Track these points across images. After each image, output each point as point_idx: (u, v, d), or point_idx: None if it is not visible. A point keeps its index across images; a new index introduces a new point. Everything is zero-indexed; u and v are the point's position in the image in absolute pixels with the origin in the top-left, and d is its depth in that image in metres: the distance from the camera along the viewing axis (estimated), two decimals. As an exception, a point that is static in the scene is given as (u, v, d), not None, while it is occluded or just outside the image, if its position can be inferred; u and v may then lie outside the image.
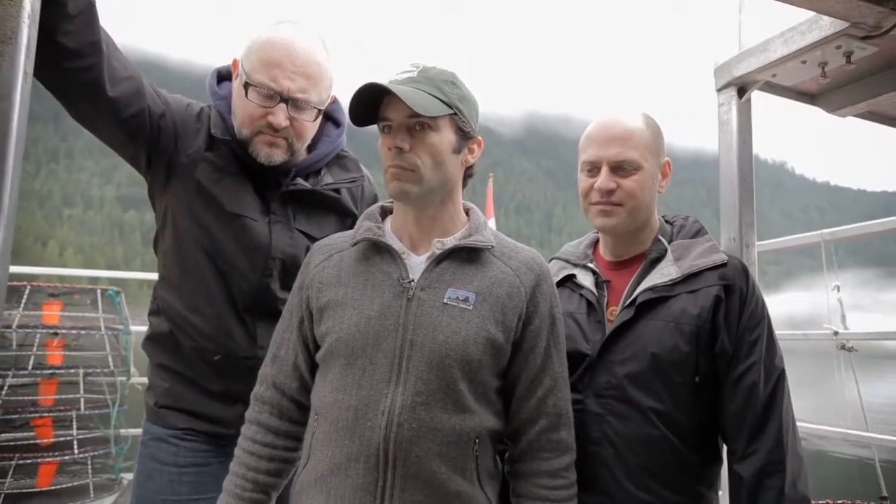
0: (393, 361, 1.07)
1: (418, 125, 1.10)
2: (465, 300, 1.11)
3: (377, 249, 1.16)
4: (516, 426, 1.15)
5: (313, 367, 1.18)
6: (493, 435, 1.13)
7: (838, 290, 3.06)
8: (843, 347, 2.96)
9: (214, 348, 1.41)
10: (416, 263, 1.14)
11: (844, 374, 2.94)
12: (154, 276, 1.68)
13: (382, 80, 1.10)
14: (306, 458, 1.14)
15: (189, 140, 1.42)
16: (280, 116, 1.37)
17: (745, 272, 1.28)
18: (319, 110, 1.44)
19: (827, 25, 1.20)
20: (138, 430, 5.30)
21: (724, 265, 1.27)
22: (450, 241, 1.15)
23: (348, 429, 1.07)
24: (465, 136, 1.16)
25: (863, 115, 1.69)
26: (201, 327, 1.41)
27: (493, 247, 1.17)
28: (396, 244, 1.16)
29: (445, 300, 1.10)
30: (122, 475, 4.74)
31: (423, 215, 1.16)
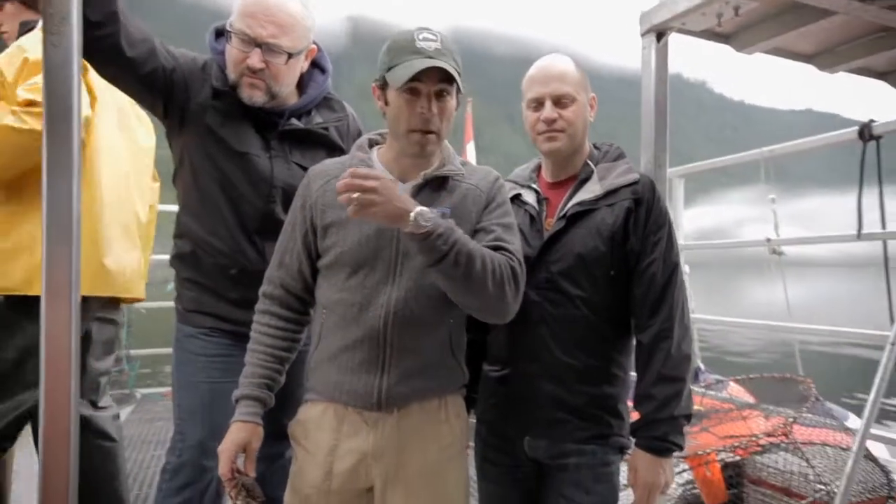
0: (389, 268, 1.38)
1: (444, 93, 1.33)
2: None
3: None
4: None
5: (313, 272, 1.49)
6: (463, 315, 1.45)
7: (773, 201, 3.43)
8: (773, 252, 3.37)
9: (230, 263, 1.73)
10: (403, 189, 1.41)
11: (773, 276, 3.36)
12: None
13: (419, 47, 1.29)
14: (317, 342, 1.46)
15: (197, 89, 1.69)
16: (255, 59, 1.63)
17: (652, 188, 1.60)
18: (290, 55, 1.67)
19: (717, -16, 1.48)
20: (147, 350, 5.78)
21: (636, 182, 1.59)
22: (430, 172, 1.42)
23: (354, 319, 1.37)
24: (458, 96, 1.39)
25: (769, 52, 1.98)
26: (219, 247, 1.73)
27: (462, 173, 1.46)
28: (386, 174, 1.42)
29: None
30: (136, 390, 5.19)
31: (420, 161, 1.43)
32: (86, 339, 2.05)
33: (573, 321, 1.56)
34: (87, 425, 2.08)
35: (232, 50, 1.64)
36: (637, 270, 1.56)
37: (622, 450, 1.58)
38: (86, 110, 1.92)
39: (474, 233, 1.42)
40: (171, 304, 1.91)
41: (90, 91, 2.01)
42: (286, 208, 1.74)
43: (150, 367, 6.50)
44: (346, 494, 1.41)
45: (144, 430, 4.25)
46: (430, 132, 1.36)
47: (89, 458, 2.09)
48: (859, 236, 2.82)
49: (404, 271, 1.38)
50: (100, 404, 2.13)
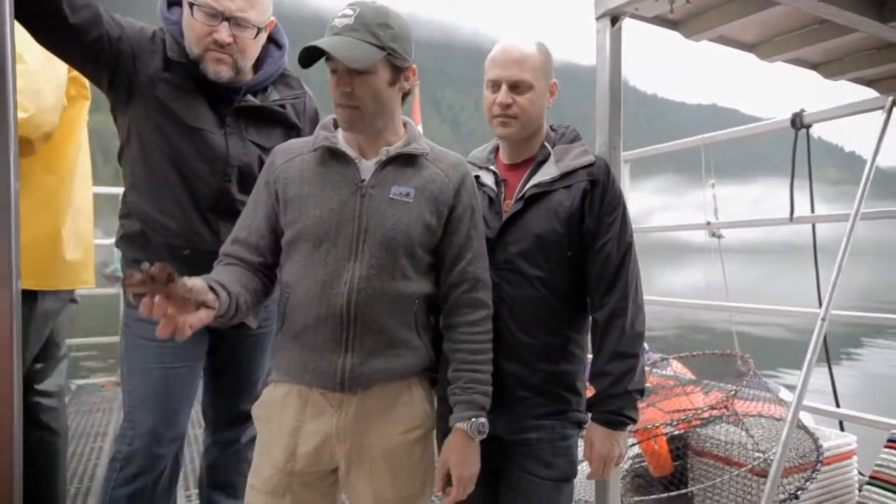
0: (352, 244, 1.36)
1: (357, 71, 1.30)
2: (407, 195, 1.39)
3: (333, 155, 1.41)
4: (445, 290, 1.47)
5: (273, 251, 1.44)
6: (428, 298, 1.46)
7: (714, 186, 3.58)
8: (713, 235, 3.52)
9: (183, 244, 1.67)
10: (366, 167, 1.41)
11: (712, 257, 3.52)
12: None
13: (324, 29, 1.29)
14: (280, 322, 1.42)
15: (145, 61, 1.60)
16: (223, 33, 1.57)
17: (607, 169, 1.64)
18: (259, 29, 1.64)
19: (670, -28, 1.52)
20: (79, 340, 5.50)
21: (591, 164, 1.62)
22: (393, 149, 1.41)
23: (317, 297, 1.34)
24: (399, 69, 1.37)
25: (714, 40, 2.05)
26: (170, 226, 1.66)
27: (427, 153, 1.46)
28: (350, 151, 1.42)
29: (391, 195, 1.38)
30: (71, 381, 4.97)
31: (369, 134, 1.42)
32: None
33: (532, 301, 1.58)
34: (35, 418, 2.03)
35: (195, 23, 1.57)
36: (592, 250, 1.59)
37: (580, 425, 1.63)
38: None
39: (447, 235, 1.45)
40: (107, 290, 1.86)
41: (82, 88, 1.95)
42: (242, 188, 1.69)
43: (86, 357, 6.22)
44: (309, 476, 1.40)
45: (82, 421, 4.08)
46: (352, 106, 1.34)
47: (33, 453, 2.02)
48: (791, 219, 2.99)
49: (366, 248, 1.37)
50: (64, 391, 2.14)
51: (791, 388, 2.42)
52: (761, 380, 2.45)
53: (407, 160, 1.44)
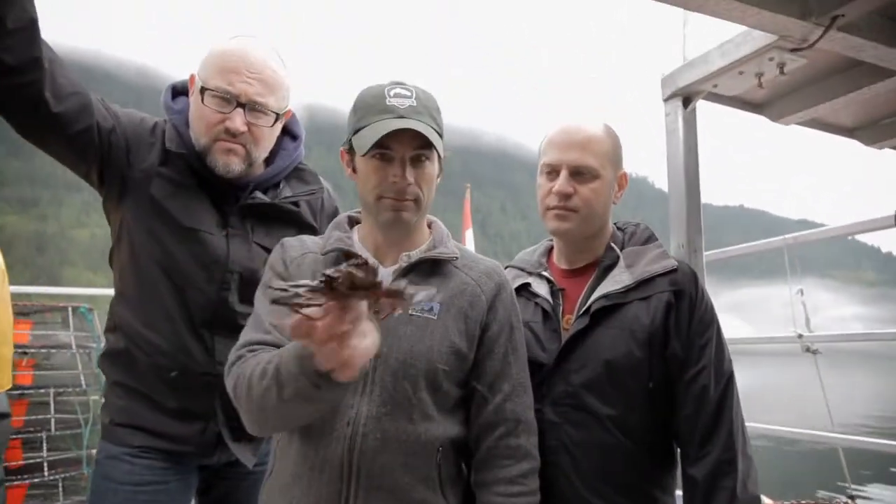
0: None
1: (422, 157, 1.13)
2: (430, 310, 1.15)
3: (347, 259, 1.17)
4: (476, 433, 1.17)
5: None
6: (456, 443, 1.16)
7: (802, 293, 3.12)
8: (807, 350, 3.02)
9: (171, 364, 1.42)
10: (384, 275, 1.15)
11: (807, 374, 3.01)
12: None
13: (388, 105, 1.12)
14: (272, 467, 1.16)
15: (142, 154, 1.43)
16: (237, 121, 1.39)
17: (694, 277, 1.32)
18: (277, 116, 1.46)
19: (759, 38, 1.26)
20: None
21: (674, 271, 1.30)
22: (415, 254, 1.19)
23: (313, 440, 1.09)
24: (440, 159, 1.21)
25: (804, 123, 1.76)
26: (157, 343, 1.42)
27: (456, 258, 1.21)
28: (366, 255, 1.17)
29: (411, 311, 1.13)
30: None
31: (410, 232, 1.20)
32: None
33: (602, 448, 1.27)
34: None
35: (205, 110, 1.40)
36: (681, 382, 1.27)
37: None
38: None
39: (479, 361, 1.17)
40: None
41: None
42: (243, 297, 1.46)
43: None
44: None
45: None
46: (410, 199, 1.14)
47: None
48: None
49: (376, 378, 1.09)
50: None
51: None
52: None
53: (432, 267, 1.19)
